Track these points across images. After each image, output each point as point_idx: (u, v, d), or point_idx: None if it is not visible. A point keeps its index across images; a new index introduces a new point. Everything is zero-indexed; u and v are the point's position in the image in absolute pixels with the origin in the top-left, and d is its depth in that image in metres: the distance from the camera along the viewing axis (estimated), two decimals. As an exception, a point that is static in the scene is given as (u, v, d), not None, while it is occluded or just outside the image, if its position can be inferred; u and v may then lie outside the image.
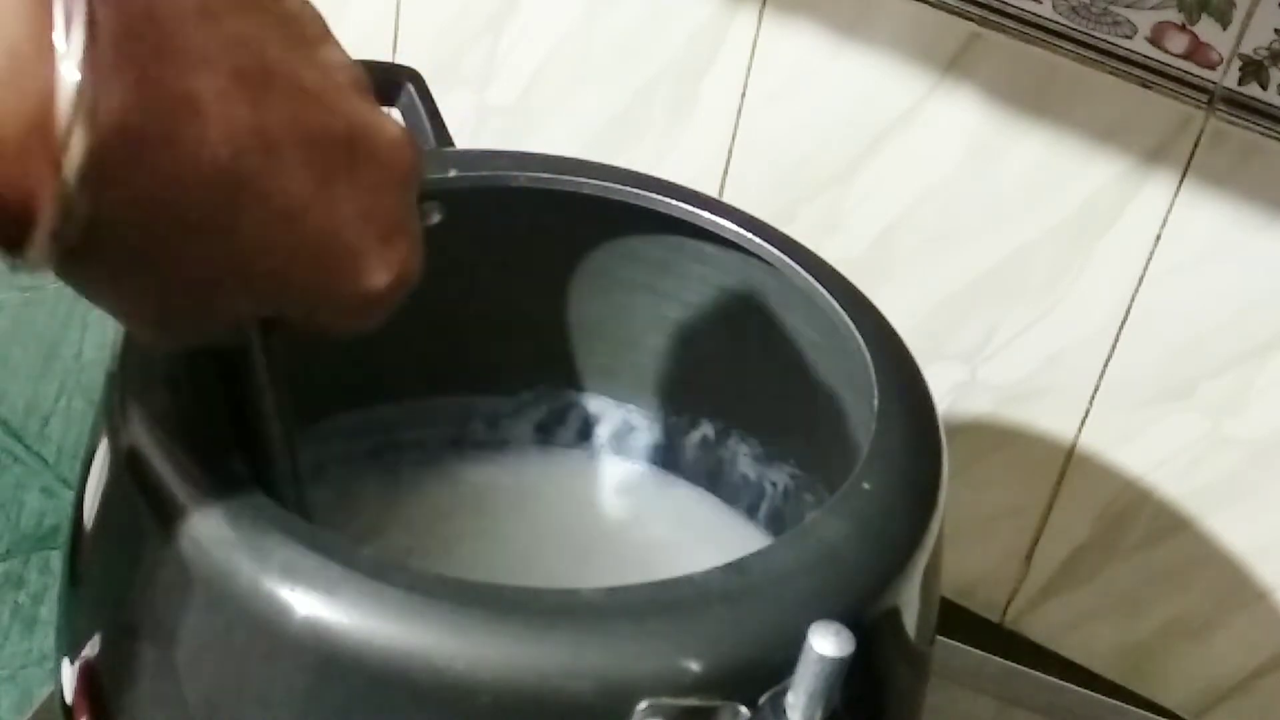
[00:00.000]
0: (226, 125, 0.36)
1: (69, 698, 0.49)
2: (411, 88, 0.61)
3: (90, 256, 0.35)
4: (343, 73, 0.40)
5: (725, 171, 0.80)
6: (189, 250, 0.37)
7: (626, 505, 0.65)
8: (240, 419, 0.46)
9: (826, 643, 0.39)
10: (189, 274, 0.38)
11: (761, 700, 0.41)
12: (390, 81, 0.61)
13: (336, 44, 0.41)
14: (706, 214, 0.58)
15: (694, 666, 0.41)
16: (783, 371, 0.60)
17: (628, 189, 0.58)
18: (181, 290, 0.38)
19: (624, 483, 0.66)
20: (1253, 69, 0.65)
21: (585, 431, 0.66)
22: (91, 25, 0.33)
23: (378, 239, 0.40)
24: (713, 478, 0.65)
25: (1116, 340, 0.73)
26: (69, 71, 0.32)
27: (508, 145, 0.84)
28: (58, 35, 0.32)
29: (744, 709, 0.41)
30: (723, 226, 0.57)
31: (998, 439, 0.78)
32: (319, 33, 0.40)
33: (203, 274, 0.38)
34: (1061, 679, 0.78)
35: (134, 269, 0.37)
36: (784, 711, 0.40)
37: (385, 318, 0.43)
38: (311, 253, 0.39)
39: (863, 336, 0.53)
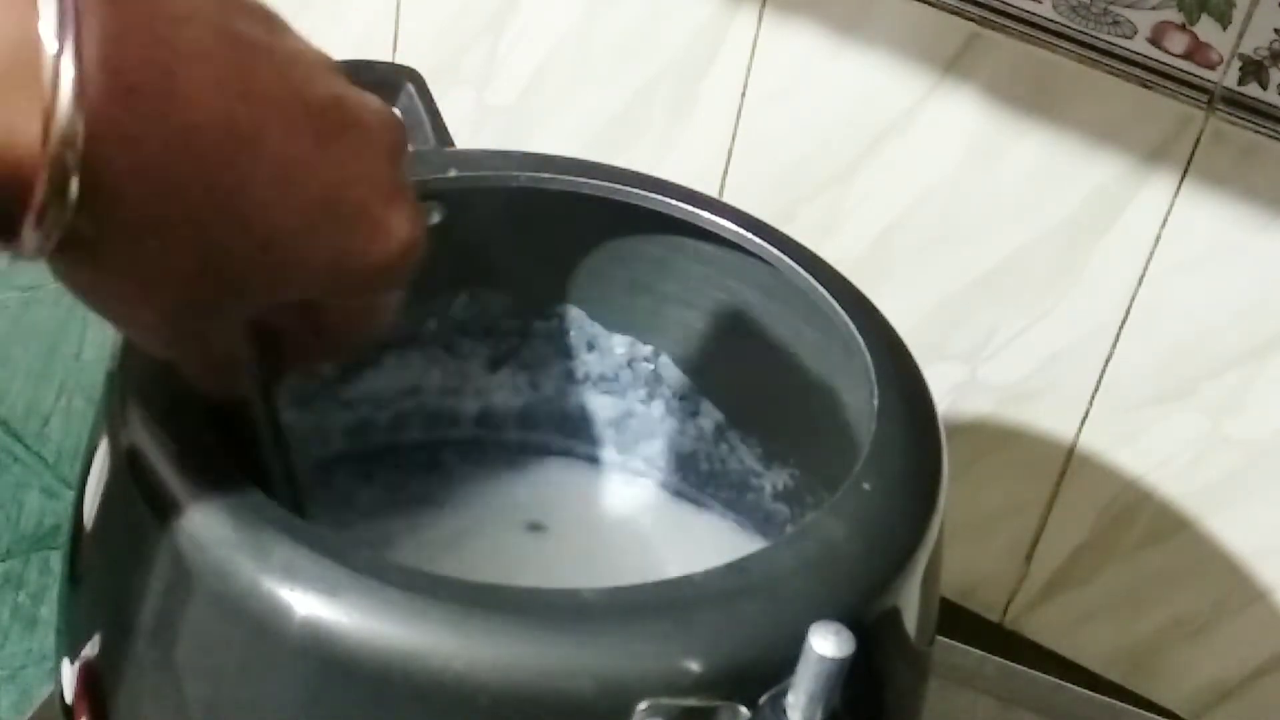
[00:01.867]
0: (215, 80, 0.35)
1: (69, 698, 0.49)
2: (411, 88, 0.61)
3: (101, 230, 0.34)
4: (316, 55, 0.40)
5: (725, 171, 0.80)
6: (200, 213, 0.35)
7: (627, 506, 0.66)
8: (244, 455, 0.46)
9: (826, 643, 0.39)
10: (202, 240, 0.36)
11: (761, 700, 0.41)
12: (390, 81, 0.61)
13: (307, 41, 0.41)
14: (706, 214, 0.58)
15: (694, 666, 0.41)
16: (783, 371, 0.60)
17: (628, 189, 0.58)
18: (198, 261, 0.36)
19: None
20: (1253, 69, 0.65)
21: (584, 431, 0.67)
22: None
23: (382, 201, 0.40)
24: (714, 476, 0.65)
25: (1116, 340, 0.73)
26: (48, 5, 0.31)
27: (508, 145, 0.84)
28: None
29: (744, 709, 0.41)
30: (723, 226, 0.57)
31: (998, 439, 0.78)
32: (287, 26, 0.40)
33: (218, 241, 0.36)
34: (1061, 679, 0.78)
35: (144, 238, 0.35)
36: (784, 712, 0.40)
37: (394, 304, 0.43)
38: (321, 211, 0.38)
39: (863, 336, 0.53)
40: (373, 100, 0.41)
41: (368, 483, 0.64)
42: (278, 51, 0.38)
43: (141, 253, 0.35)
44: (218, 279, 0.37)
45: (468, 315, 0.63)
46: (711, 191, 0.76)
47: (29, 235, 0.33)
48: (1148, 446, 0.75)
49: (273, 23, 0.39)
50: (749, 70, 0.77)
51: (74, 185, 0.32)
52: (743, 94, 0.78)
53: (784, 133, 0.77)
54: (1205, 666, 0.78)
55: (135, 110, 0.33)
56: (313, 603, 0.41)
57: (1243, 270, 0.69)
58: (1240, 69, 0.66)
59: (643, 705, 0.40)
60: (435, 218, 0.48)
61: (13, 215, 0.33)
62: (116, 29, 0.33)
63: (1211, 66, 0.66)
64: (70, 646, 0.50)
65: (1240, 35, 0.65)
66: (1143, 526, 0.77)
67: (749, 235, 0.57)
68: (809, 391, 0.59)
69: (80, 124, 0.32)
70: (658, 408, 0.65)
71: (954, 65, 0.71)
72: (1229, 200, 0.68)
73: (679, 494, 0.66)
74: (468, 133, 0.85)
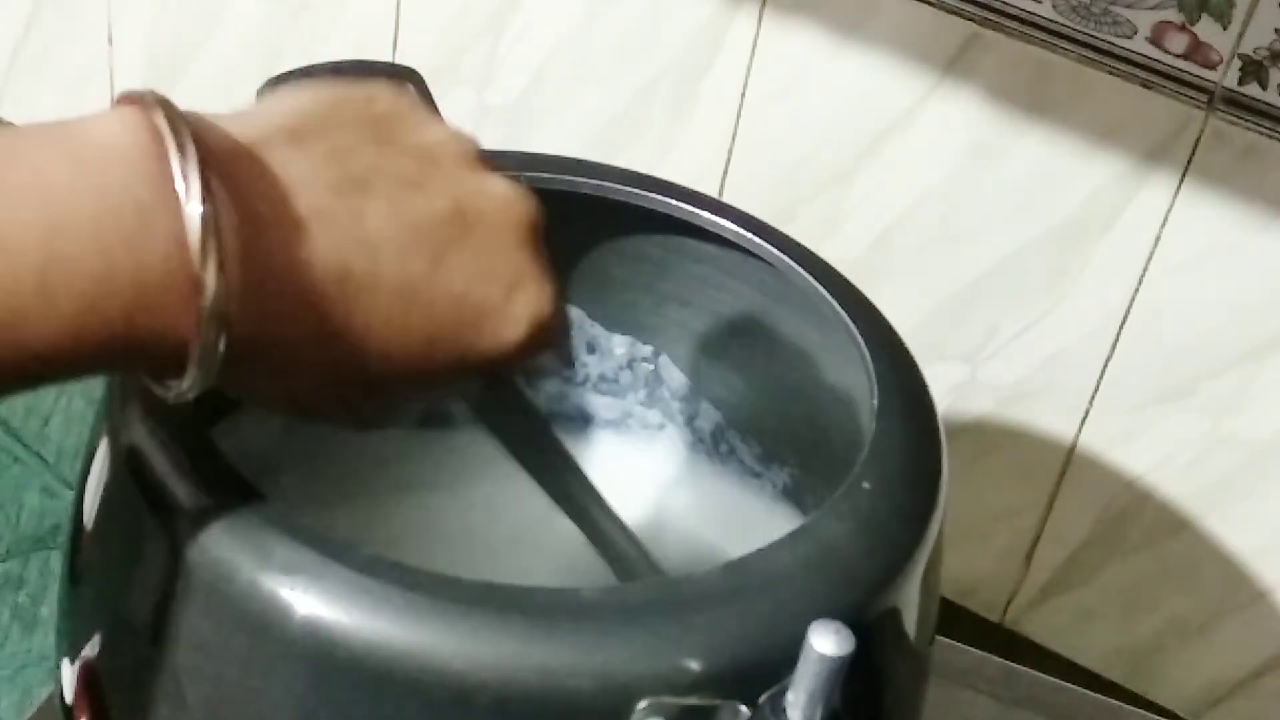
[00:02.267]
0: (327, 237, 0.38)
1: (69, 698, 0.49)
2: (411, 88, 0.61)
3: (242, 366, 0.38)
4: (443, 149, 0.43)
5: (725, 171, 0.80)
6: (327, 349, 0.40)
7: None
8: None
9: (826, 642, 0.39)
10: (337, 371, 0.41)
11: (761, 699, 0.41)
12: (390, 82, 0.60)
13: (435, 122, 0.44)
14: (706, 214, 0.58)
15: (694, 666, 0.41)
16: (782, 371, 0.60)
17: (628, 189, 0.58)
18: (341, 386, 0.41)
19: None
20: (1253, 69, 0.65)
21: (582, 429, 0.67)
22: (205, 174, 0.36)
23: (503, 293, 0.42)
24: (713, 476, 0.65)
25: (1116, 340, 0.73)
26: (194, 213, 0.35)
27: (508, 145, 0.84)
28: (178, 184, 0.35)
29: (744, 708, 0.41)
30: (723, 226, 0.57)
31: (998, 439, 0.78)
32: (413, 122, 0.43)
33: (346, 365, 0.40)
34: (1061, 679, 0.78)
35: (284, 377, 0.40)
36: (784, 711, 0.40)
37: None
38: (443, 320, 0.41)
39: (863, 336, 0.53)
40: (496, 188, 0.43)
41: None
42: (390, 177, 0.41)
43: (281, 378, 0.40)
44: (357, 389, 0.42)
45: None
46: (711, 191, 0.76)
47: (187, 380, 0.38)
48: (1148, 446, 0.75)
49: (394, 128, 0.42)
50: (749, 70, 0.77)
51: (220, 345, 0.37)
52: (743, 94, 0.78)
53: (784, 133, 0.77)
54: (1205, 666, 0.78)
55: (264, 288, 0.38)
56: (313, 603, 0.41)
57: (1243, 270, 0.69)
58: (1240, 69, 0.66)
59: (642, 704, 0.40)
60: None
61: (174, 363, 0.38)
62: (246, 236, 0.37)
63: (1211, 66, 0.66)
64: (70, 646, 0.50)
65: (1240, 35, 0.65)
66: (1143, 526, 0.77)
67: (749, 235, 0.57)
68: (808, 391, 0.59)
69: (225, 310, 0.36)
70: (657, 408, 0.65)
71: (954, 65, 0.71)
72: (1229, 200, 0.68)
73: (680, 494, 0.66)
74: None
